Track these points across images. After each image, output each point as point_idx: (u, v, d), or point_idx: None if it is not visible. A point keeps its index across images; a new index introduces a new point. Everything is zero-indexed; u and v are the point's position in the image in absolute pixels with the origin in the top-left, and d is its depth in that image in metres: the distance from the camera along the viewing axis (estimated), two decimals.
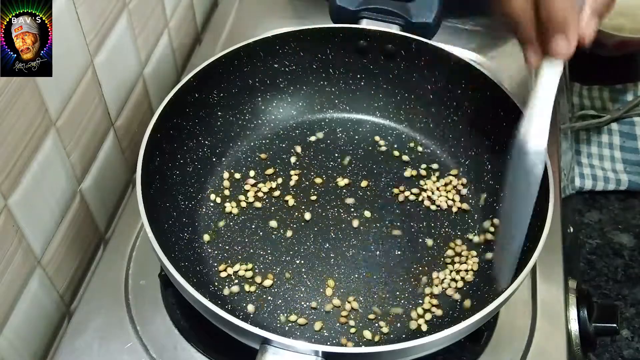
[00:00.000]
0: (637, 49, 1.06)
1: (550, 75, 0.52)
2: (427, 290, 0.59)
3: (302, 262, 0.61)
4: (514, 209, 0.53)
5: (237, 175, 0.67)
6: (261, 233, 0.63)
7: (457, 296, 0.59)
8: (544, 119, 0.50)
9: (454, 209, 0.64)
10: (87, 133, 0.63)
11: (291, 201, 0.65)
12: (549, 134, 0.50)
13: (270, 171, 0.67)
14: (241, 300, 0.58)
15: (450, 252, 0.62)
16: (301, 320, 0.57)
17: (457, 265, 0.60)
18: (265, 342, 0.47)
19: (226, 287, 0.59)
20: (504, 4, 0.52)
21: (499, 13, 0.53)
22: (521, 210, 0.52)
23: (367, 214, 0.64)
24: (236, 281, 0.59)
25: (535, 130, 0.50)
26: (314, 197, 0.65)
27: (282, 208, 0.65)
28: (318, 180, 0.67)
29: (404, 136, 0.70)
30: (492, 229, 0.62)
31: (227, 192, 0.65)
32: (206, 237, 0.62)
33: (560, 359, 0.57)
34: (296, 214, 0.64)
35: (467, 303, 0.58)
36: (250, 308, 0.58)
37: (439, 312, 0.58)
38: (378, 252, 0.61)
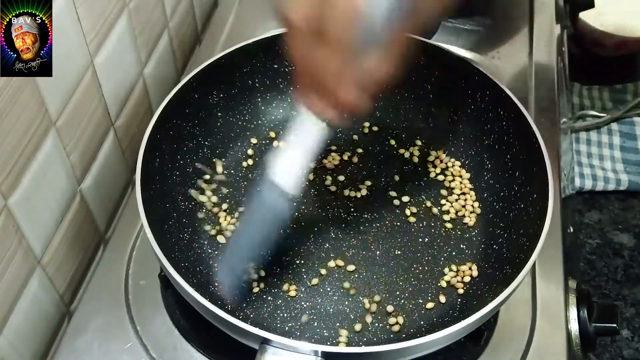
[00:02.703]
0: (637, 49, 1.06)
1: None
2: (427, 290, 0.59)
3: (302, 262, 0.61)
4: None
5: (237, 176, 0.67)
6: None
7: (457, 295, 0.59)
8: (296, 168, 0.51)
9: (454, 209, 0.65)
10: (87, 133, 0.63)
11: None
12: None
13: None
14: (241, 300, 0.58)
15: (450, 252, 0.62)
16: (301, 320, 0.57)
17: (457, 265, 0.60)
18: (265, 342, 0.47)
19: None
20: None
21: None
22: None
23: (367, 213, 0.64)
24: None
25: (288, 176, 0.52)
26: (314, 198, 0.65)
27: None
28: (318, 180, 0.67)
29: (404, 136, 0.70)
30: (492, 229, 0.62)
31: (226, 192, 0.65)
32: (206, 238, 0.62)
33: (560, 359, 0.57)
34: (296, 214, 0.64)
35: (467, 303, 0.58)
36: (251, 308, 0.58)
37: (437, 314, 0.58)
38: (378, 252, 0.61)
